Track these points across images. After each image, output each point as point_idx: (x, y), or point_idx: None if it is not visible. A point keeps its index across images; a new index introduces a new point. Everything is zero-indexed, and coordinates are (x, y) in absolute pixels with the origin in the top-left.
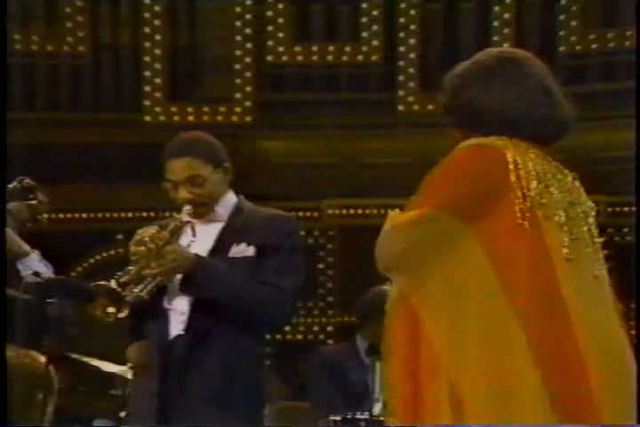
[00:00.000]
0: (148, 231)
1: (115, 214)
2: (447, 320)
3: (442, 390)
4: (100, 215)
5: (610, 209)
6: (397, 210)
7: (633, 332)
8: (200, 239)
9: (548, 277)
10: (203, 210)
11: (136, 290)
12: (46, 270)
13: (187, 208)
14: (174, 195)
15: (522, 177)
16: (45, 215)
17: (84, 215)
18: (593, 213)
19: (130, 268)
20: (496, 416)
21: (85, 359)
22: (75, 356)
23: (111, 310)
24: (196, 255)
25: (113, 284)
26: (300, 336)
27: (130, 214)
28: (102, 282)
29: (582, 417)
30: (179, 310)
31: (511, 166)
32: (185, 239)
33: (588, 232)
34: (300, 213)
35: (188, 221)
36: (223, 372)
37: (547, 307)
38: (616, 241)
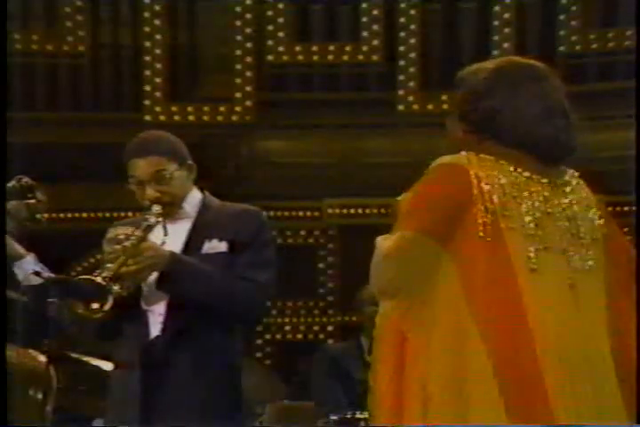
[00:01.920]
0: (120, 230)
1: (115, 214)
2: (428, 340)
3: (418, 405)
4: (100, 215)
5: (610, 209)
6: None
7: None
8: (171, 237)
9: (509, 288)
10: (171, 209)
11: (115, 288)
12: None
13: (156, 208)
14: (141, 195)
15: (484, 191)
16: (45, 215)
17: (84, 215)
18: (587, 217)
19: (108, 265)
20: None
21: (85, 359)
22: (75, 355)
23: (95, 305)
24: (171, 252)
25: (98, 279)
26: (300, 336)
27: (130, 214)
28: (85, 276)
29: (537, 423)
30: (156, 312)
31: (474, 182)
32: (157, 238)
33: (573, 238)
34: (301, 213)
35: (160, 220)
36: (202, 371)
37: (506, 317)
38: None
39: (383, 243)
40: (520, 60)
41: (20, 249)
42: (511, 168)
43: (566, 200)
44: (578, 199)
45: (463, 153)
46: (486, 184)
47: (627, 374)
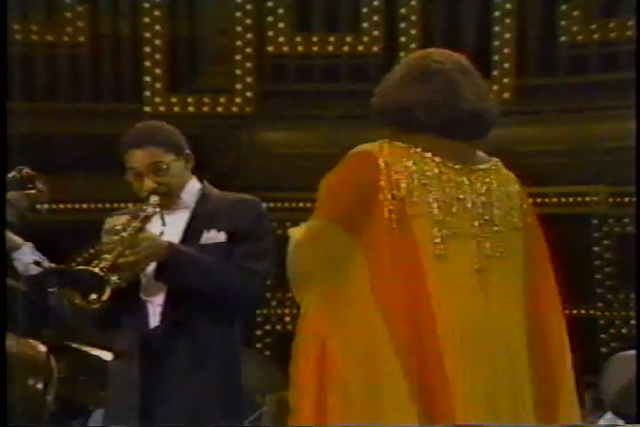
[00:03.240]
0: (118, 220)
1: (115, 205)
2: (341, 332)
3: (337, 394)
4: (100, 206)
5: (611, 199)
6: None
7: (633, 321)
8: (169, 228)
9: (414, 274)
10: (169, 199)
11: (113, 278)
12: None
13: (154, 199)
14: (139, 186)
15: (392, 179)
16: (45, 205)
17: (85, 206)
18: (505, 203)
19: (106, 256)
20: (366, 416)
21: (86, 349)
22: (75, 345)
23: (93, 296)
24: (170, 243)
25: (96, 269)
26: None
27: (130, 205)
28: (83, 267)
29: (437, 410)
30: (155, 302)
31: (382, 170)
32: (155, 229)
33: (487, 224)
34: (301, 204)
35: (157, 210)
36: (201, 361)
37: (409, 302)
38: (616, 231)
39: (294, 232)
40: (430, 50)
41: (17, 239)
42: (423, 154)
43: (483, 187)
44: (497, 187)
45: (378, 141)
46: (395, 171)
47: (542, 358)
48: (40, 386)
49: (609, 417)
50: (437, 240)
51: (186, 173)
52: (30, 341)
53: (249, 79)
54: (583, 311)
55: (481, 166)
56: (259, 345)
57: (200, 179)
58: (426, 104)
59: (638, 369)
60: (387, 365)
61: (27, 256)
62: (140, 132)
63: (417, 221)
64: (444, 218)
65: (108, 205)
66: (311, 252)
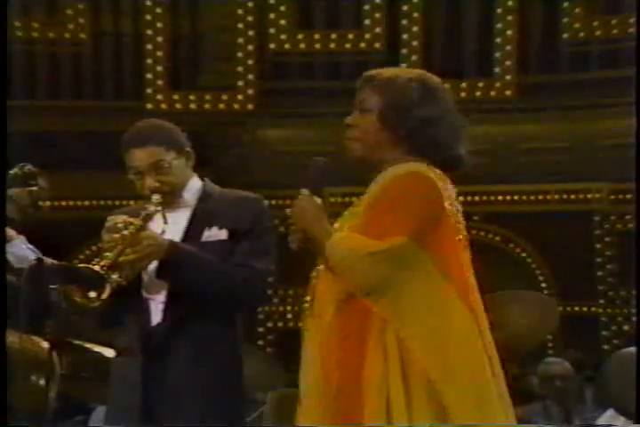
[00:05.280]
0: (119, 218)
1: (116, 202)
2: (434, 343)
3: (421, 390)
4: (101, 203)
5: (612, 197)
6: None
7: (634, 318)
8: (171, 226)
9: (471, 290)
10: (170, 197)
11: (114, 276)
12: (33, 255)
13: (155, 197)
14: (140, 185)
15: (447, 203)
16: (47, 202)
17: (86, 203)
18: None
19: (107, 254)
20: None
21: (88, 345)
22: (77, 342)
23: (92, 294)
24: (171, 241)
25: (96, 267)
26: (301, 324)
27: (132, 202)
28: (83, 264)
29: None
30: (157, 300)
31: (442, 193)
32: (156, 227)
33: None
34: None
35: (159, 209)
36: (202, 359)
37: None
38: (618, 228)
39: (368, 243)
40: (427, 73)
41: (9, 231)
42: (450, 182)
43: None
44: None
45: (416, 163)
46: (446, 196)
47: None
48: (42, 383)
49: (610, 414)
50: (468, 259)
51: (187, 171)
52: (32, 337)
53: (251, 76)
54: (585, 308)
55: None
56: (260, 342)
57: (201, 176)
58: (455, 136)
59: (638, 367)
60: (484, 361)
61: (19, 249)
62: (141, 131)
63: (461, 244)
64: (464, 239)
65: (109, 203)
66: (393, 265)
